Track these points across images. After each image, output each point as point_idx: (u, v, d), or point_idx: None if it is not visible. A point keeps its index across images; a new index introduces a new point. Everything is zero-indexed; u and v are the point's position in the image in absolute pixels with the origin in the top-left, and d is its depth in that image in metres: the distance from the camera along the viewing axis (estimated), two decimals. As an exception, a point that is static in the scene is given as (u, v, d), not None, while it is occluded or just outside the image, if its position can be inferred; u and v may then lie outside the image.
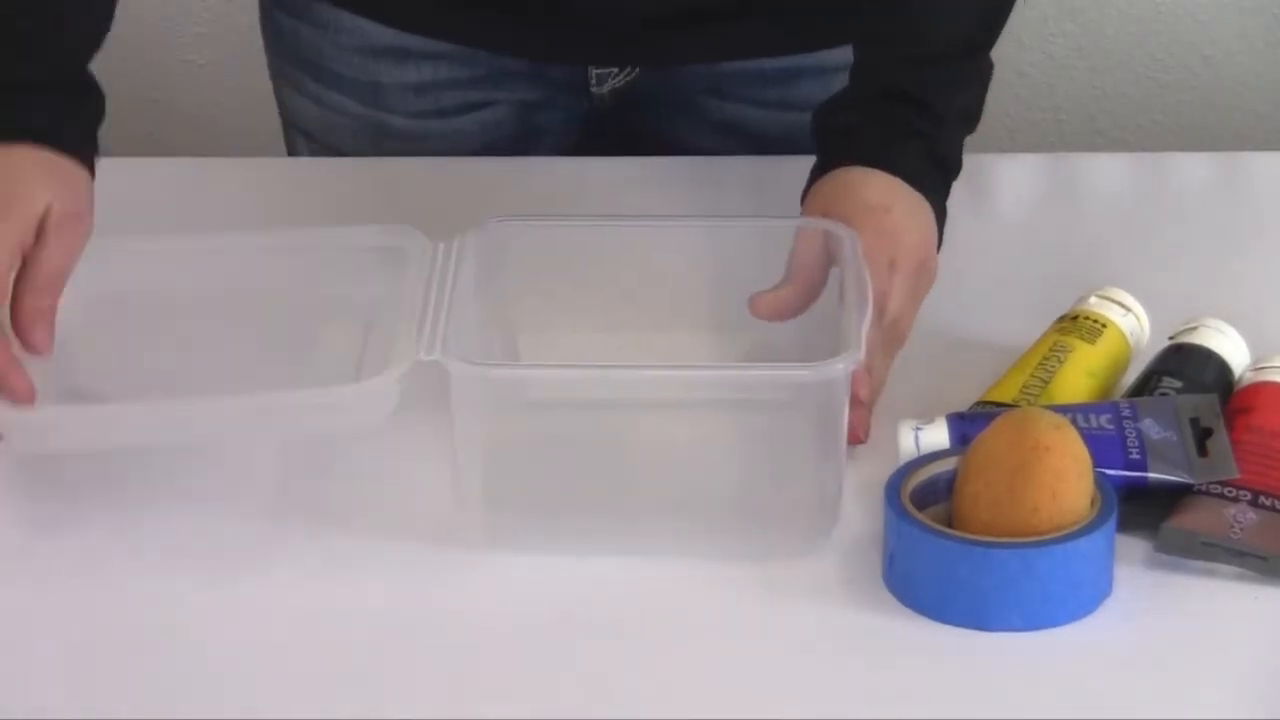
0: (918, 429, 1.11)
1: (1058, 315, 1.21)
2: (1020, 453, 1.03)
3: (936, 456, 1.08)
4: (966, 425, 1.10)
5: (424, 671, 1.02)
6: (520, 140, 1.45)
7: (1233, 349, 1.17)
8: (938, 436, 1.10)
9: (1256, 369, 1.15)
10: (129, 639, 1.05)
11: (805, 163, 1.23)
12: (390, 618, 1.05)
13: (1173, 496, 1.08)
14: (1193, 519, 1.06)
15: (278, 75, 1.48)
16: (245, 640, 1.04)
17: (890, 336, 1.15)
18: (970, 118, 1.25)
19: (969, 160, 1.24)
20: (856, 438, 1.12)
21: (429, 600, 1.06)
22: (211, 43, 2.15)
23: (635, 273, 1.19)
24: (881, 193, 1.19)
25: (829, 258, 1.15)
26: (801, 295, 1.15)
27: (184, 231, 1.19)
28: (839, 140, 1.22)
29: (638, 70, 1.41)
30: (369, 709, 1.00)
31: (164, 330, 1.18)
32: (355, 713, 1.00)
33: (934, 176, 1.21)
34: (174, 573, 1.08)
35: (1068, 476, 1.02)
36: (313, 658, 1.03)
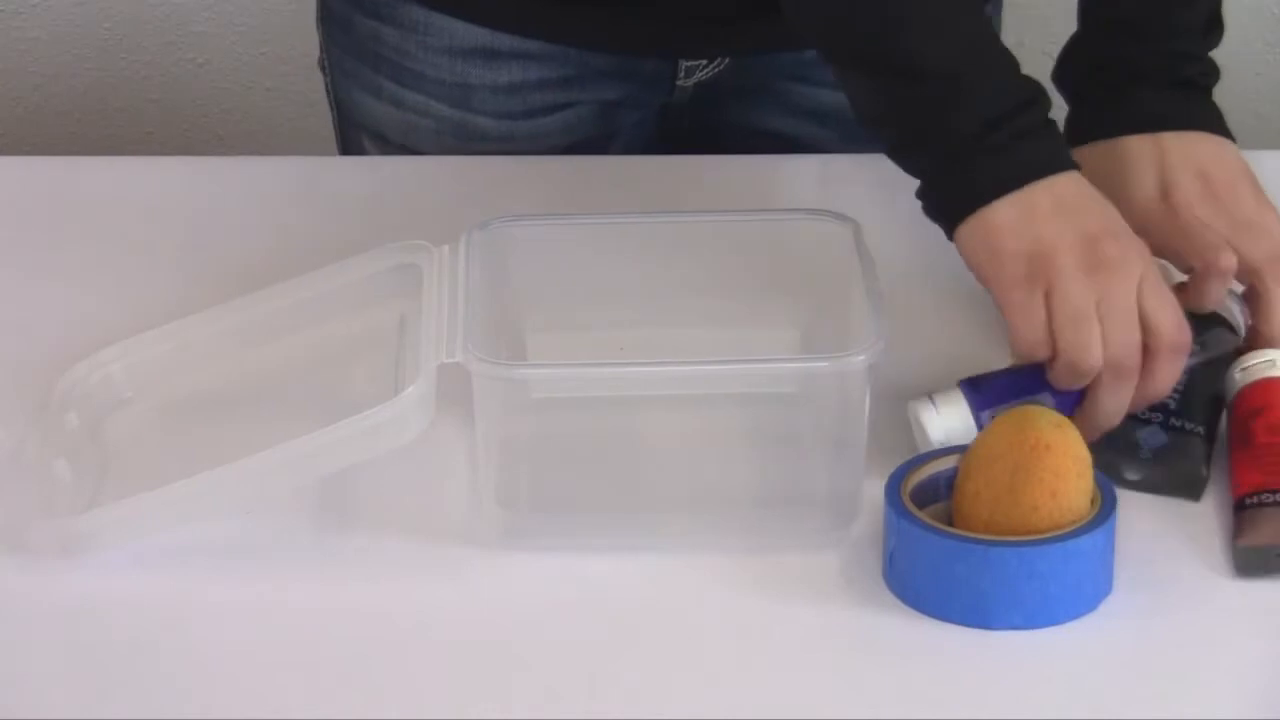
0: (933, 399, 1.10)
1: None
2: (1020, 451, 1.03)
3: (936, 455, 1.08)
4: (981, 393, 1.11)
5: (434, 670, 1.02)
6: (601, 139, 1.44)
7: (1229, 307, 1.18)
8: (955, 406, 1.10)
9: (1245, 368, 1.15)
10: (130, 638, 1.05)
11: (830, 161, 1.23)
12: (401, 616, 1.05)
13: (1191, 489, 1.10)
14: (1261, 533, 1.06)
15: (347, 77, 1.47)
16: (251, 640, 1.04)
17: None
18: (1213, 26, 1.25)
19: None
20: None
21: (440, 598, 1.06)
22: (211, 42, 2.15)
23: (639, 270, 1.19)
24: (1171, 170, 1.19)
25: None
26: None
27: (204, 313, 1.19)
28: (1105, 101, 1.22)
29: (727, 61, 1.41)
30: (376, 708, 1.00)
31: (200, 403, 1.18)
32: (363, 712, 1.00)
33: (1196, 103, 1.22)
34: (175, 571, 1.08)
35: (1068, 475, 1.02)
36: (320, 657, 1.03)
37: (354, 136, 1.48)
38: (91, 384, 1.16)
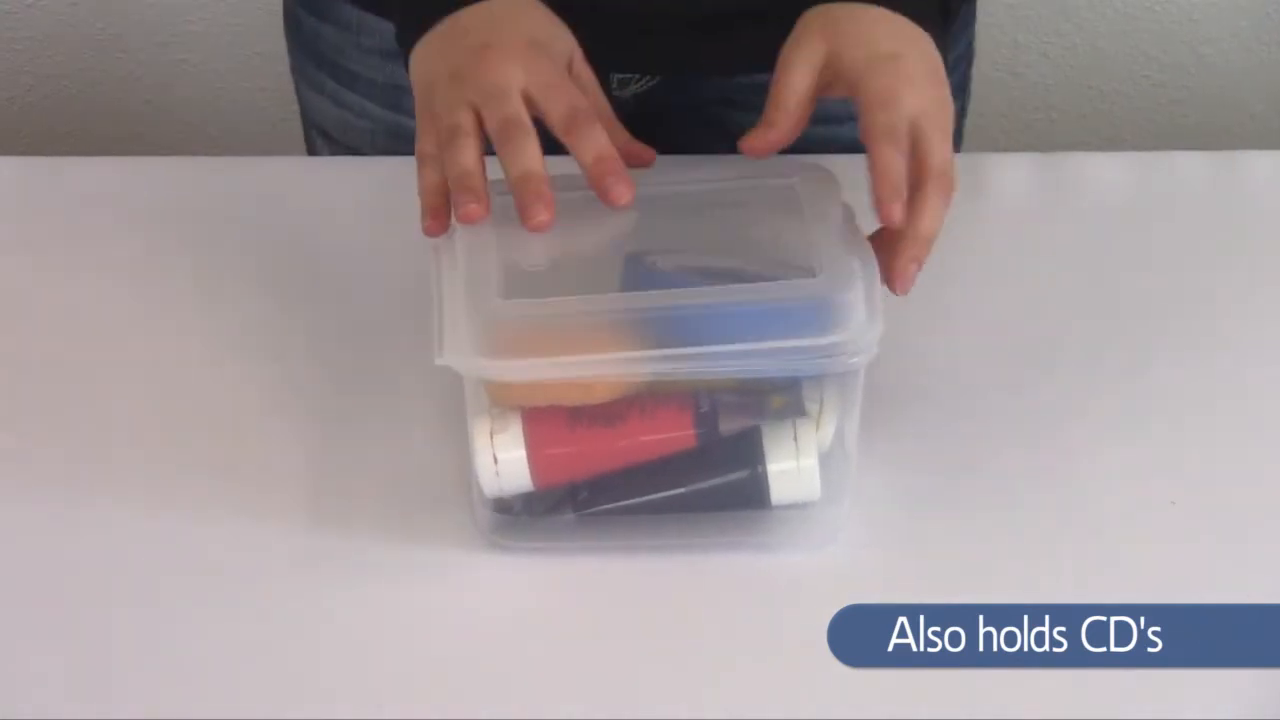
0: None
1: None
2: None
3: None
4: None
5: (425, 670, 1.02)
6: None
7: None
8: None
9: None
10: (130, 638, 1.05)
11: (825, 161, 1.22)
12: (391, 617, 1.06)
13: None
14: None
15: (298, 74, 1.48)
16: (248, 640, 1.04)
17: (943, 185, 1.11)
18: None
19: (963, 160, 1.24)
20: (902, 283, 1.08)
21: (430, 599, 1.07)
22: (204, 42, 2.15)
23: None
24: (891, 38, 1.14)
25: (816, 89, 1.14)
26: (792, 129, 1.14)
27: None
28: None
29: (658, 78, 1.41)
30: (371, 709, 1.00)
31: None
32: (356, 713, 1.00)
33: (935, 15, 1.17)
34: (174, 570, 1.08)
35: None
36: (314, 658, 1.03)
37: (310, 134, 1.49)
38: None
